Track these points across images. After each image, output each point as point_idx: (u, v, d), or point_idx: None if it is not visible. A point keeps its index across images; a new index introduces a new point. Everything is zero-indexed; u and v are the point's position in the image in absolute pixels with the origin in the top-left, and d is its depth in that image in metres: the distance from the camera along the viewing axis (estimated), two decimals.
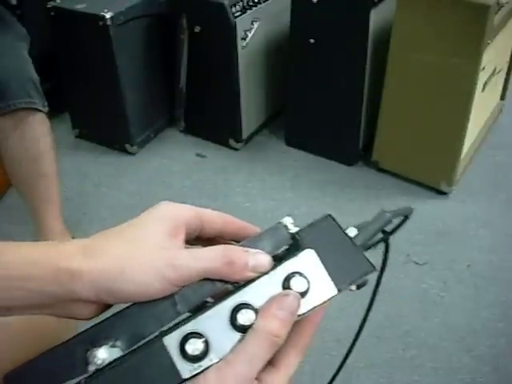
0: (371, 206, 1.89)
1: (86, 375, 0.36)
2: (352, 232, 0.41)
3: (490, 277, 1.64)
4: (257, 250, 0.39)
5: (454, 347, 1.45)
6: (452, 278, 1.64)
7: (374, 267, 0.40)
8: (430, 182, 1.95)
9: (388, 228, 0.48)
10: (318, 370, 1.36)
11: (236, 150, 2.18)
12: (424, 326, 1.50)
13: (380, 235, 0.48)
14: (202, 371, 0.35)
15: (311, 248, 0.39)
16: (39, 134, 1.48)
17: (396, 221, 0.50)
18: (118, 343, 0.37)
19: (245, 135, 2.17)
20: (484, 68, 1.73)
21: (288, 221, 0.41)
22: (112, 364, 0.36)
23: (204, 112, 2.18)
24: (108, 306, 0.39)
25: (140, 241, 0.38)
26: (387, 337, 1.46)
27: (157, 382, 0.35)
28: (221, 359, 0.36)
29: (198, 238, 0.43)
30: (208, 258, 0.38)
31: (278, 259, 0.39)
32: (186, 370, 0.35)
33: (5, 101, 1.40)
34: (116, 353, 0.36)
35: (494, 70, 1.94)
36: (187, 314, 0.38)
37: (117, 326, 0.37)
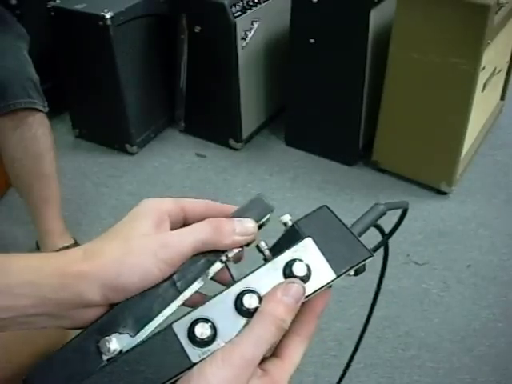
0: (371, 205, 1.88)
1: (100, 365, 0.37)
2: (286, 218, 0.44)
3: (490, 277, 1.64)
4: (241, 218, 0.42)
5: (454, 347, 1.45)
6: (452, 278, 1.64)
7: (372, 253, 0.41)
8: (430, 182, 1.95)
9: (386, 229, 0.50)
10: (319, 370, 1.36)
11: (236, 149, 2.18)
12: (424, 325, 1.50)
13: (379, 239, 0.50)
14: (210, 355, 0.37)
15: (309, 236, 0.41)
16: (39, 134, 1.48)
17: (394, 220, 0.51)
18: (127, 329, 0.38)
19: (245, 135, 2.17)
20: (484, 68, 1.73)
21: (287, 217, 0.44)
22: (124, 351, 0.37)
23: (204, 112, 2.18)
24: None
25: (132, 235, 0.40)
26: (387, 337, 1.46)
27: (168, 367, 0.36)
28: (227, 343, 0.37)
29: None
30: (197, 230, 0.40)
31: (279, 249, 0.41)
32: (195, 354, 0.37)
33: (5, 101, 1.40)
34: (126, 339, 0.38)
35: (494, 70, 1.94)
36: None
37: (122, 314, 0.38)
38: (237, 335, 0.37)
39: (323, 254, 0.41)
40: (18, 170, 1.52)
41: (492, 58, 1.81)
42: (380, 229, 0.49)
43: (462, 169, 1.95)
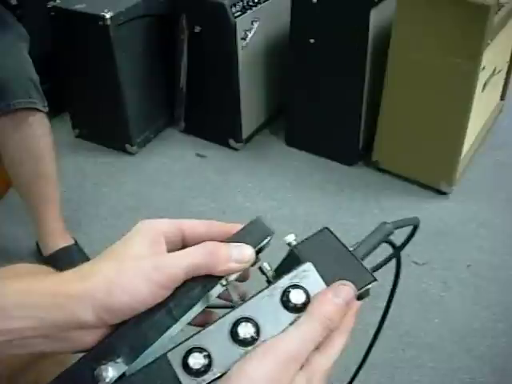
0: (371, 205, 1.88)
1: None
2: (290, 238, 0.42)
3: (490, 277, 1.64)
4: (239, 244, 0.40)
5: (453, 347, 1.45)
6: (452, 278, 1.64)
7: (375, 278, 0.40)
8: (429, 182, 1.95)
9: (397, 241, 0.49)
10: None
11: (236, 150, 2.17)
12: (424, 326, 1.50)
13: (390, 251, 0.49)
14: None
15: (309, 261, 0.40)
16: (39, 134, 1.48)
17: (405, 232, 0.50)
18: (123, 358, 0.37)
19: (245, 135, 2.17)
20: (484, 68, 1.73)
21: (291, 237, 0.42)
22: (120, 380, 0.37)
23: (204, 112, 2.17)
24: (109, 333, 0.39)
25: (125, 256, 0.39)
26: (387, 337, 1.45)
27: None
28: (223, 373, 0.36)
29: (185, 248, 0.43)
30: (191, 254, 0.39)
31: (278, 274, 0.40)
32: None
33: (5, 101, 1.40)
34: (122, 367, 0.37)
35: (494, 70, 1.94)
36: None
37: (119, 341, 0.38)
38: (283, 331, 0.37)
39: (323, 279, 0.39)
40: (18, 170, 1.52)
41: (492, 58, 1.80)
42: (390, 242, 0.48)
43: (462, 169, 1.94)
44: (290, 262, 0.41)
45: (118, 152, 2.16)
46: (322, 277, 0.39)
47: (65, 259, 1.57)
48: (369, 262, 0.44)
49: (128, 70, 1.99)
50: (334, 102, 1.99)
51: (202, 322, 0.41)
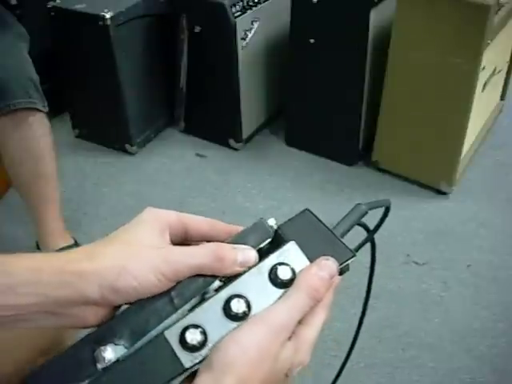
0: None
1: (94, 375, 0.38)
2: (272, 222, 0.44)
3: (490, 277, 1.64)
4: (244, 246, 0.42)
5: (453, 347, 1.45)
6: (452, 278, 1.64)
7: (354, 253, 0.43)
8: (429, 182, 1.95)
9: (371, 225, 0.51)
10: (319, 370, 1.36)
11: (236, 150, 2.17)
12: (424, 326, 1.50)
13: (365, 234, 0.51)
14: (203, 360, 0.38)
15: (292, 240, 0.42)
16: (39, 134, 1.48)
17: (377, 216, 0.52)
18: (122, 341, 0.39)
19: (245, 135, 2.17)
20: (484, 68, 1.73)
21: (272, 222, 0.44)
22: (119, 361, 0.38)
23: (204, 112, 2.18)
24: (112, 313, 0.41)
25: (135, 242, 0.41)
26: (387, 337, 1.46)
27: (161, 373, 0.38)
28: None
29: (186, 243, 0.45)
30: (199, 255, 0.40)
31: (264, 253, 0.42)
32: (187, 359, 0.38)
33: (5, 101, 1.40)
34: (121, 350, 0.39)
35: (494, 69, 1.94)
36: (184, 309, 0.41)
37: (120, 325, 0.39)
38: (272, 304, 0.39)
39: (307, 256, 0.42)
40: (18, 170, 1.52)
41: (492, 58, 1.81)
42: (364, 226, 0.51)
43: (462, 169, 1.95)
44: (273, 243, 0.43)
45: (117, 152, 2.16)
46: (306, 254, 0.42)
47: None
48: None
49: (128, 70, 1.99)
50: (334, 102, 1.99)
51: None
